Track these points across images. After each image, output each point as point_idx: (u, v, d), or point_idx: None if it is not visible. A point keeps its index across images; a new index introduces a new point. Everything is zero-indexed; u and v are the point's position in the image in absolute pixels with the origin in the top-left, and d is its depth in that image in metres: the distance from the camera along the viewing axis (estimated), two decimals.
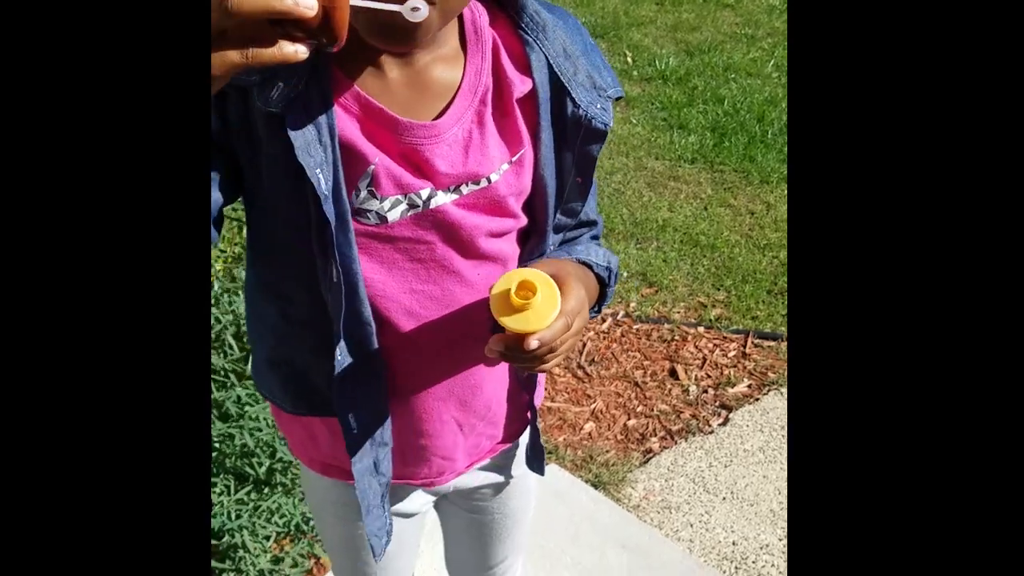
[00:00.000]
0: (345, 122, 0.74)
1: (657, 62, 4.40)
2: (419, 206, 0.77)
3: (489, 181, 0.79)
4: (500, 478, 1.07)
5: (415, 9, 0.63)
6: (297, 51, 0.55)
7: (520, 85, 0.78)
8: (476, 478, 1.04)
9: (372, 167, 0.75)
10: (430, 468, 0.96)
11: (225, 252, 1.67)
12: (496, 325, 0.75)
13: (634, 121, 3.84)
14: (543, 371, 0.79)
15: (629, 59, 4.48)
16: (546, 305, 0.72)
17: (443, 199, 0.78)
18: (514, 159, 0.80)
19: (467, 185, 0.78)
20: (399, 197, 0.76)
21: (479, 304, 0.84)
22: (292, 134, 0.70)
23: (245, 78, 0.70)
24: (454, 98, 0.77)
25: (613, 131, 3.75)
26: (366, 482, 0.89)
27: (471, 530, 1.13)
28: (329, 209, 0.73)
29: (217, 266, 1.62)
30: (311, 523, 1.68)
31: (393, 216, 0.77)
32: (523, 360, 0.76)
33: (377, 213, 0.77)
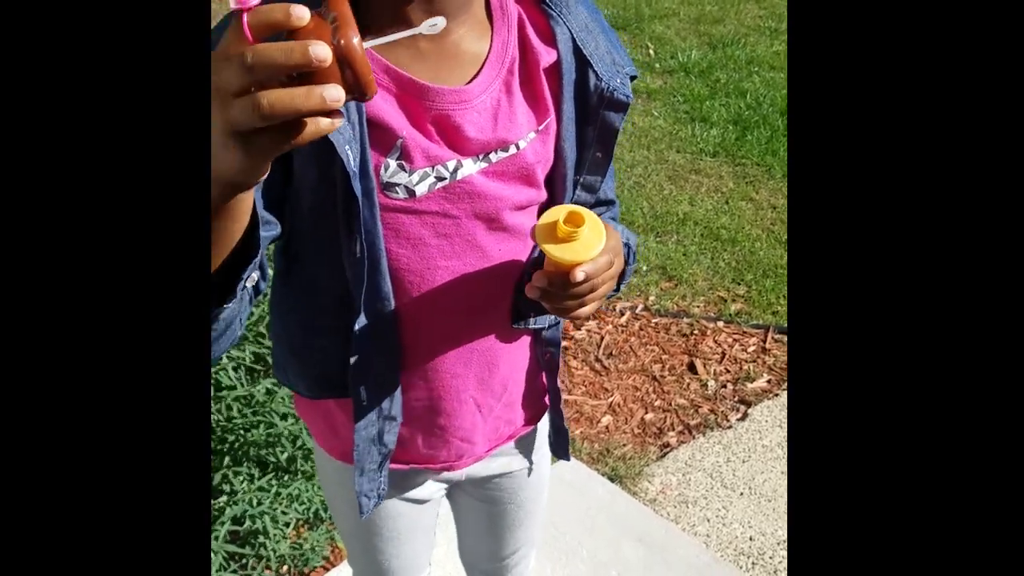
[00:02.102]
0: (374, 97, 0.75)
1: (679, 55, 4.37)
2: (446, 179, 0.78)
3: (518, 148, 0.80)
4: (513, 466, 1.07)
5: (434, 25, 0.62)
6: (333, 123, 0.52)
7: (546, 56, 0.80)
8: (489, 466, 1.05)
9: (400, 140, 0.75)
10: (449, 451, 0.97)
11: None
12: (533, 269, 0.74)
13: (656, 114, 3.82)
14: (579, 316, 0.79)
15: (651, 51, 4.45)
16: (592, 237, 0.72)
17: (471, 168, 0.79)
18: (541, 127, 0.81)
19: (496, 153, 0.79)
20: (427, 170, 0.77)
21: (497, 277, 0.86)
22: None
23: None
24: (482, 68, 0.78)
25: (635, 124, 3.73)
26: (365, 447, 0.91)
27: (483, 520, 1.14)
28: (357, 185, 0.73)
29: None
30: (329, 511, 1.70)
31: (421, 190, 0.78)
32: (564, 297, 0.76)
33: (406, 187, 0.77)
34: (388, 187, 0.77)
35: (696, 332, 2.54)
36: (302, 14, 0.48)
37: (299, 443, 1.56)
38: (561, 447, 1.06)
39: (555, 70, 0.80)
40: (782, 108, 3.81)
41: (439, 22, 0.58)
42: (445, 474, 1.02)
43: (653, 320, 2.60)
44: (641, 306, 2.65)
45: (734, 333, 2.55)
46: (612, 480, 2.03)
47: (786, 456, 2.11)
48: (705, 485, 2.04)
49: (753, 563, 1.84)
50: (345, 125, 0.72)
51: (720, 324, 2.57)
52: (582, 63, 0.81)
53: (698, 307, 2.65)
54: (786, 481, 2.04)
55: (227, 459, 1.56)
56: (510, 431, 1.02)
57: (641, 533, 1.87)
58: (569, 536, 1.85)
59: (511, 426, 1.02)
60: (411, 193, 0.78)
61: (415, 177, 0.77)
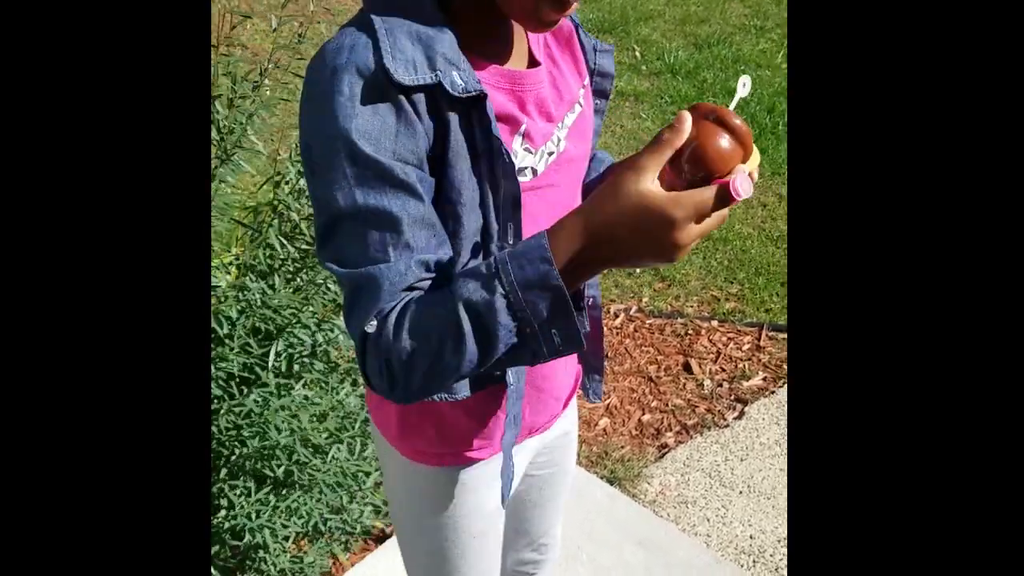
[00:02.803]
0: (492, 93, 0.78)
1: (666, 56, 4.38)
2: (554, 152, 0.84)
3: (580, 105, 0.89)
4: (566, 427, 1.12)
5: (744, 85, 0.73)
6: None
7: (565, 24, 0.90)
8: (554, 429, 1.08)
9: (524, 126, 0.80)
10: (546, 413, 1.02)
11: (239, 259, 1.68)
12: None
13: (644, 116, 3.83)
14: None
15: (638, 54, 4.46)
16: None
17: (563, 135, 0.86)
18: (585, 83, 0.91)
19: (568, 115, 0.87)
20: (543, 148, 0.83)
21: None
22: (490, 110, 0.74)
23: (427, 76, 0.71)
24: (529, 49, 0.85)
25: (623, 126, 3.74)
26: (510, 432, 0.94)
27: (531, 494, 1.16)
28: (515, 175, 0.77)
29: (231, 276, 1.64)
30: (329, 523, 1.69)
31: (540, 167, 0.83)
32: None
33: (532, 168, 0.82)
34: (518, 171, 0.81)
35: (690, 332, 2.55)
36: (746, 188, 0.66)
37: (295, 456, 1.55)
38: (595, 386, 1.12)
39: (575, 39, 0.91)
40: (769, 106, 3.82)
41: (748, 81, 0.71)
42: (532, 443, 1.05)
43: (647, 321, 2.60)
44: (635, 308, 2.65)
45: (728, 332, 2.55)
46: (611, 483, 2.02)
47: (784, 453, 2.11)
48: (704, 485, 2.03)
49: (754, 561, 1.84)
50: (497, 125, 0.76)
51: (714, 323, 2.58)
52: (576, 28, 0.92)
53: (692, 307, 2.65)
54: (785, 478, 2.04)
55: (223, 472, 1.55)
56: (571, 384, 1.07)
57: (641, 535, 1.87)
58: (569, 541, 1.84)
59: (570, 378, 1.06)
60: (534, 172, 0.83)
61: (537, 157, 0.83)
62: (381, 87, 0.70)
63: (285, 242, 1.61)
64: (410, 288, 0.72)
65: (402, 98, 0.71)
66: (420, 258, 0.72)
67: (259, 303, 1.52)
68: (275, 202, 1.64)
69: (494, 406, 0.95)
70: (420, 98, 0.72)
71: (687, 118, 0.67)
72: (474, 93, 0.72)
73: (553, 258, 0.67)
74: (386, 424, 1.00)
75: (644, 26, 4.81)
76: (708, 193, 0.65)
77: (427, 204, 0.74)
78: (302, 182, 1.67)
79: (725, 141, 0.66)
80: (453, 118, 0.74)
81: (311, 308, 1.62)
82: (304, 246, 1.66)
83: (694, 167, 0.66)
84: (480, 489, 1.01)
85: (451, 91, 0.71)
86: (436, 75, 0.71)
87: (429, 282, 0.73)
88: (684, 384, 2.37)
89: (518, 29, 0.83)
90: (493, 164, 0.76)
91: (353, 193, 0.71)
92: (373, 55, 0.70)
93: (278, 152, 1.69)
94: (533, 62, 0.85)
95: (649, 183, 0.65)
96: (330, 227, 0.73)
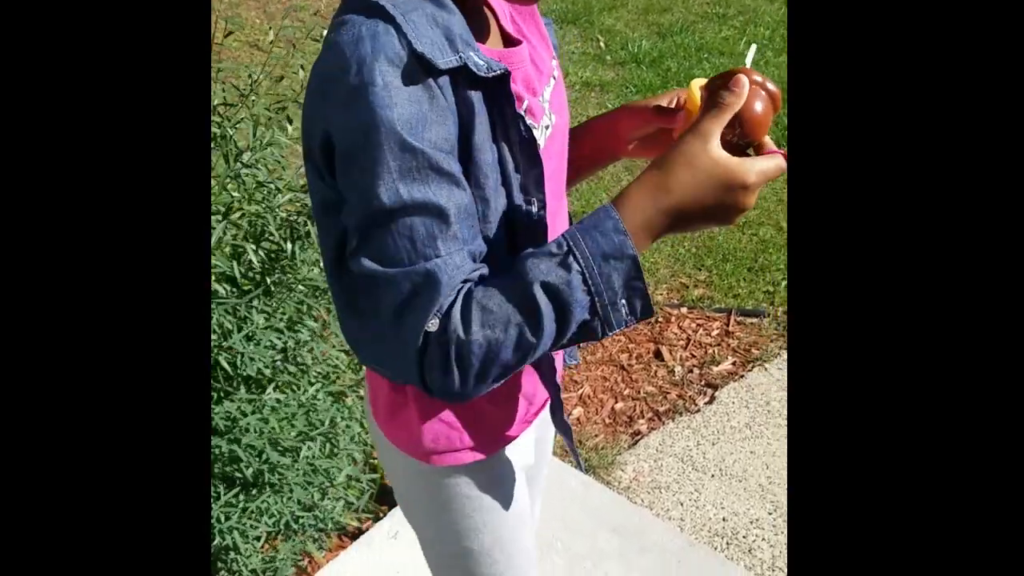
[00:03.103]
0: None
1: (630, 45, 4.39)
2: (549, 125, 0.85)
3: (554, 78, 0.90)
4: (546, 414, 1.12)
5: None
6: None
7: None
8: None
9: (526, 103, 0.80)
10: (555, 373, 1.01)
11: (217, 268, 1.66)
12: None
13: (609, 106, 3.84)
14: None
15: (602, 44, 4.47)
16: None
17: (546, 107, 0.86)
18: (554, 56, 0.92)
19: (546, 89, 0.87)
20: (542, 122, 0.84)
21: (563, 200, 0.96)
22: (513, 89, 0.74)
23: (453, 59, 0.70)
24: (501, 28, 0.85)
25: (589, 116, 3.75)
26: (557, 398, 0.96)
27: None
28: (537, 150, 0.77)
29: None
30: (300, 521, 1.69)
31: (542, 141, 0.83)
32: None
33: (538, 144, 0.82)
34: None
35: (660, 319, 2.56)
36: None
37: (264, 456, 1.54)
38: (573, 350, 1.13)
39: (534, 11, 0.91)
40: None
41: (752, 48, 0.75)
42: (543, 413, 1.05)
43: None
44: None
45: (697, 318, 2.57)
46: (585, 471, 2.03)
47: (754, 436, 2.14)
48: (677, 470, 2.05)
49: (728, 543, 1.86)
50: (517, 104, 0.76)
51: (683, 310, 2.60)
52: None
53: (661, 295, 2.67)
54: (755, 461, 2.07)
55: None
56: (560, 356, 1.06)
57: (616, 522, 1.88)
58: (543, 530, 1.85)
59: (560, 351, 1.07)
60: (537, 146, 0.83)
61: (539, 132, 0.83)
62: (413, 74, 0.67)
63: (257, 249, 1.59)
64: (464, 281, 0.69)
65: (432, 83, 0.68)
66: (469, 249, 0.70)
67: (237, 342, 1.50)
68: (252, 216, 1.62)
69: (518, 381, 0.94)
70: (445, 82, 0.69)
71: (746, 82, 0.69)
72: (499, 72, 0.71)
73: (626, 228, 0.68)
74: (407, 437, 0.94)
75: (608, 16, 4.82)
76: (775, 161, 0.69)
77: (468, 193, 0.72)
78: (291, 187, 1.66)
79: (766, 105, 0.71)
80: (476, 99, 0.71)
81: (282, 311, 1.61)
82: (274, 248, 1.65)
83: (743, 130, 0.69)
84: (518, 466, 1.01)
85: (476, 72, 0.70)
86: (460, 57, 0.69)
87: (479, 272, 0.71)
88: (655, 371, 2.38)
89: (490, 17, 0.83)
90: (513, 142, 0.75)
91: (397, 187, 0.67)
92: (399, 41, 0.67)
93: (240, 156, 1.67)
94: (507, 40, 0.85)
95: (718, 148, 0.68)
96: (369, 225, 0.69)
